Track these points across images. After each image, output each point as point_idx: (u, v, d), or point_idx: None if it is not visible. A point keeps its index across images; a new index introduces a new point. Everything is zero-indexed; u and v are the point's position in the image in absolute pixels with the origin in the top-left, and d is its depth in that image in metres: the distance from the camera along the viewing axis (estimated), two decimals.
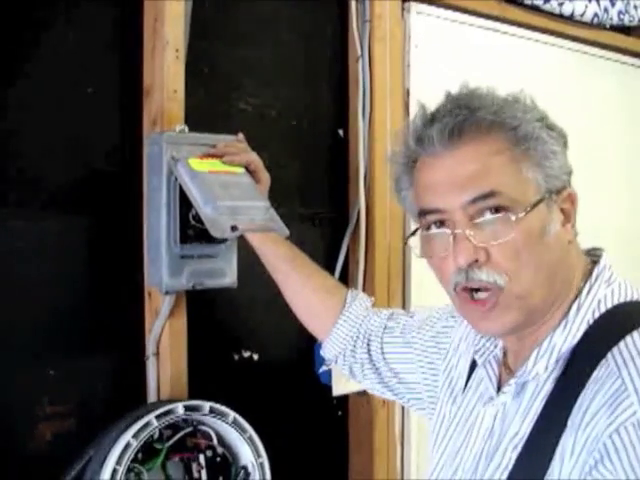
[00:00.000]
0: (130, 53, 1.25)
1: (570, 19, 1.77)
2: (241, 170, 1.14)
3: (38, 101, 1.18)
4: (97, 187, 1.24)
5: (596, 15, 1.79)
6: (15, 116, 1.16)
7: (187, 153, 1.13)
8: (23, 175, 1.17)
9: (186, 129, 1.19)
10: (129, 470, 1.10)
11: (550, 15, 1.74)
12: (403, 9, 1.49)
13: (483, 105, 0.84)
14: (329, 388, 1.45)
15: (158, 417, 1.10)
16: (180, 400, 1.19)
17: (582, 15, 1.77)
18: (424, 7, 1.52)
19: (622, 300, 0.82)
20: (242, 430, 1.18)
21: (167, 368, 1.23)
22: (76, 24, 1.20)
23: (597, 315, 0.81)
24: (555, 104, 1.76)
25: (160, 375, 1.24)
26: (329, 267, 1.48)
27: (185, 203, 1.13)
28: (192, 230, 1.14)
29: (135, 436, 1.08)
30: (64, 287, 1.21)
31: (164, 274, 1.13)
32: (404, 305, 1.52)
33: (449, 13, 1.57)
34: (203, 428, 1.19)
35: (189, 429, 1.17)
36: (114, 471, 1.07)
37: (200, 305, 1.30)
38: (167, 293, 1.17)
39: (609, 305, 0.82)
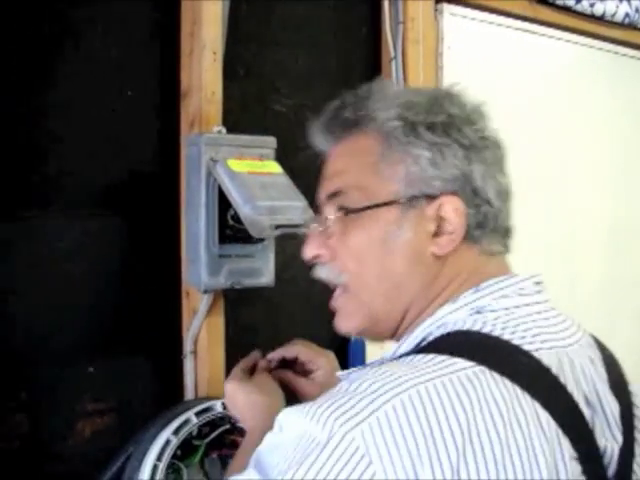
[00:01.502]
0: (168, 56, 1.27)
1: (601, 19, 1.77)
2: (279, 170, 1.16)
3: (79, 104, 1.20)
4: (136, 188, 1.26)
5: (627, 15, 1.79)
6: (56, 119, 1.18)
7: (225, 154, 1.15)
8: (64, 177, 1.19)
9: (223, 130, 1.21)
10: (168, 466, 1.11)
11: (582, 15, 1.74)
12: (436, 10, 1.50)
13: (353, 102, 0.84)
14: None
15: (197, 414, 1.12)
16: (218, 398, 1.21)
17: (613, 15, 1.77)
18: (457, 8, 1.53)
19: (471, 328, 0.74)
20: None
21: (205, 366, 1.25)
22: (115, 27, 1.22)
23: (431, 337, 0.76)
24: (586, 104, 1.78)
25: (197, 373, 1.26)
26: None
27: (223, 203, 1.14)
28: (230, 230, 1.16)
29: (175, 433, 1.10)
30: (104, 286, 1.23)
31: (203, 273, 1.15)
32: None
33: (481, 14, 1.58)
34: (240, 425, 1.20)
35: (227, 426, 1.18)
36: (154, 467, 1.08)
37: (236, 304, 1.33)
38: (206, 292, 1.18)
39: (449, 330, 0.75)
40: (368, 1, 1.49)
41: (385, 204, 0.78)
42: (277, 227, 1.06)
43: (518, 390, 0.69)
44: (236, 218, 1.14)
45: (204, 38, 1.22)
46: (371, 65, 1.51)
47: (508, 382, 0.69)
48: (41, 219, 1.17)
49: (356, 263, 0.81)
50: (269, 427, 0.85)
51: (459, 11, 1.53)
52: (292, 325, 1.43)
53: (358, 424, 0.65)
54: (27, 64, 1.14)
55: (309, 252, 0.86)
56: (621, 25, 1.81)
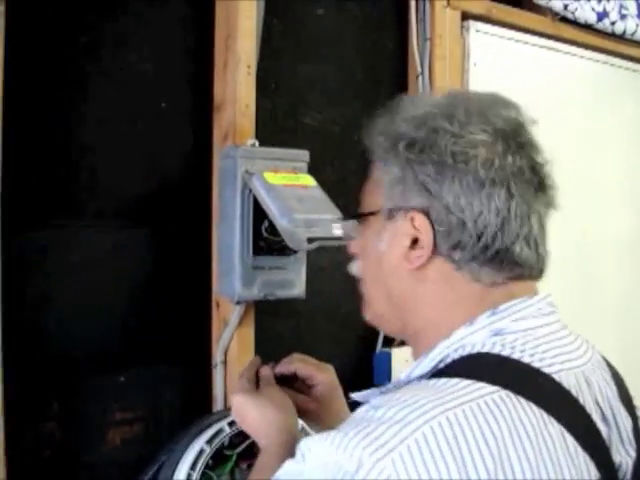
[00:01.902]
0: (201, 69, 1.28)
1: (622, 37, 1.79)
2: (313, 183, 1.17)
3: (114, 116, 1.21)
4: (168, 199, 1.27)
5: None
6: (92, 130, 1.19)
7: (260, 167, 1.16)
8: (98, 187, 1.20)
9: (257, 143, 1.22)
10: (200, 475, 1.12)
11: (602, 34, 1.76)
12: (462, 27, 1.52)
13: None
14: None
15: (230, 424, 1.13)
16: None
17: (633, 34, 1.79)
18: (482, 25, 1.55)
19: (489, 351, 0.74)
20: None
21: (235, 376, 1.25)
22: (150, 40, 1.24)
23: (449, 360, 0.76)
24: (607, 121, 1.80)
25: (227, 383, 1.27)
26: None
27: (258, 215, 1.16)
28: (264, 242, 1.17)
29: (209, 442, 1.10)
30: (135, 296, 1.24)
31: (237, 284, 1.16)
32: None
33: (506, 31, 1.60)
34: None
35: None
36: (188, 476, 1.09)
37: (264, 315, 1.34)
38: (238, 303, 1.19)
39: (468, 352, 0.75)
40: (396, 18, 1.51)
41: (370, 214, 0.83)
42: (312, 240, 1.07)
43: (544, 415, 0.70)
44: (270, 230, 1.16)
45: (239, 52, 1.24)
46: (398, 81, 1.53)
47: (534, 406, 0.70)
48: (75, 228, 1.18)
49: (359, 263, 0.90)
50: (284, 445, 0.93)
51: (485, 28, 1.55)
52: (319, 337, 1.44)
53: (388, 453, 0.65)
54: (63, 76, 1.16)
55: (349, 250, 0.93)
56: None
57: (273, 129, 1.35)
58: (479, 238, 0.75)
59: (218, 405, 1.27)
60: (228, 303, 1.25)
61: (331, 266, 1.44)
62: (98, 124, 1.20)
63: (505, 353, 0.73)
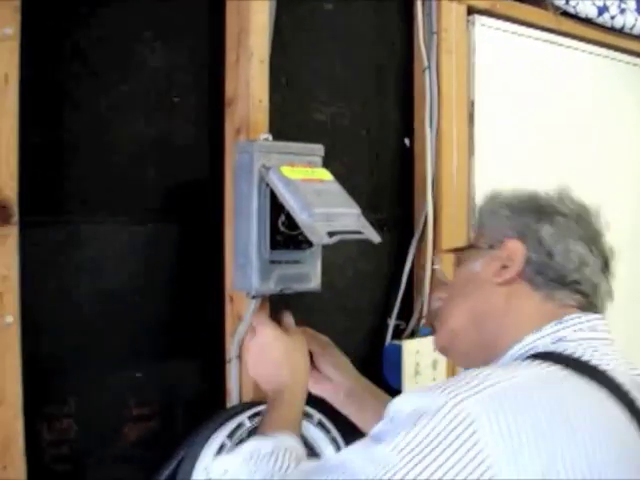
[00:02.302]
0: (214, 63, 1.28)
1: (621, 32, 1.81)
2: (330, 177, 1.18)
3: (126, 109, 1.21)
4: (180, 194, 1.27)
5: None
6: (106, 124, 1.19)
7: (276, 161, 1.16)
8: (113, 182, 1.20)
9: (270, 138, 1.22)
10: None
11: (602, 28, 1.78)
12: (468, 21, 1.53)
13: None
14: (396, 390, 1.48)
15: (250, 417, 1.13)
16: (264, 402, 1.22)
17: (632, 28, 1.81)
18: (487, 20, 1.56)
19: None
20: (326, 431, 1.20)
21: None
22: (162, 34, 1.24)
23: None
24: (606, 115, 1.81)
25: (242, 378, 1.27)
26: (396, 271, 1.52)
27: (274, 210, 1.16)
28: (281, 236, 1.17)
29: (230, 436, 1.11)
30: (150, 292, 1.24)
31: (254, 278, 1.16)
32: None
33: (509, 25, 1.61)
34: None
35: None
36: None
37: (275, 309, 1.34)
38: (255, 297, 1.19)
39: (539, 351, 0.89)
40: (402, 12, 1.52)
41: (470, 247, 1.05)
42: (333, 234, 1.07)
43: (604, 392, 0.81)
44: (287, 224, 1.16)
45: (251, 47, 1.24)
46: (404, 74, 1.53)
47: (595, 384, 0.82)
48: (90, 225, 1.18)
49: (444, 291, 1.09)
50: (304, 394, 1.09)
51: (489, 22, 1.56)
52: (327, 328, 1.45)
53: (469, 397, 0.75)
54: (76, 68, 1.15)
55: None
56: (638, 37, 1.86)
57: (285, 123, 1.35)
58: (559, 270, 0.93)
59: (233, 399, 1.26)
60: (242, 298, 1.25)
61: (342, 261, 1.45)
62: (112, 118, 1.19)
63: (567, 353, 0.86)
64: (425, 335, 1.49)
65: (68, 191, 1.15)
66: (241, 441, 1.11)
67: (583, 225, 0.97)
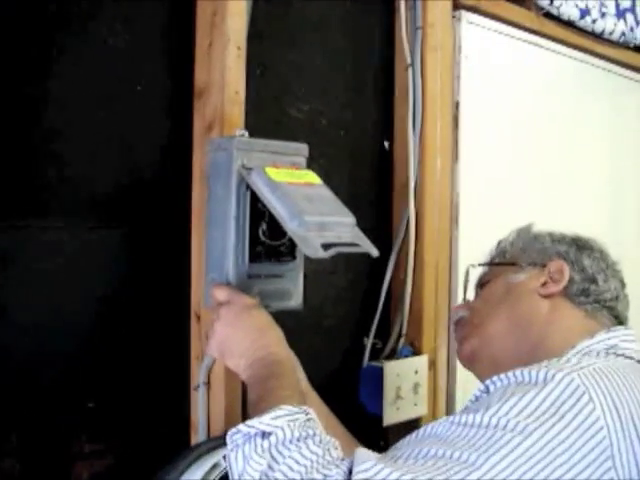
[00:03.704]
0: (183, 48, 1.13)
1: (600, 37, 1.74)
2: (319, 181, 1.04)
3: (81, 99, 1.05)
4: (143, 196, 1.11)
5: (623, 34, 1.77)
6: (56, 115, 1.02)
7: (258, 161, 1.02)
8: (64, 182, 1.03)
9: (246, 134, 1.08)
10: None
11: (581, 32, 1.71)
12: (454, 17, 1.42)
13: None
14: (373, 416, 1.35)
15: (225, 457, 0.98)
16: None
17: (611, 34, 1.75)
18: (473, 16, 1.45)
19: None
20: None
21: (220, 399, 1.10)
22: (125, 12, 1.08)
23: None
24: (586, 118, 1.75)
25: (211, 407, 1.11)
26: (372, 285, 1.39)
27: (254, 217, 1.02)
28: (262, 247, 1.03)
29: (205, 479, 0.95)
30: (105, 309, 1.08)
31: None
32: (449, 332, 1.44)
33: (494, 24, 1.51)
34: None
35: None
36: None
37: None
38: None
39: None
40: (384, 4, 1.40)
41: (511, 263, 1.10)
42: (329, 246, 0.93)
43: None
44: (268, 234, 1.02)
45: (228, 31, 1.09)
46: (385, 72, 1.41)
47: None
48: (38, 229, 1.01)
49: (474, 302, 1.16)
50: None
51: (475, 19, 1.45)
52: (302, 348, 1.31)
53: (574, 372, 0.79)
54: (23, 50, 0.98)
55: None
56: (615, 44, 1.80)
57: (257, 120, 1.21)
58: (599, 295, 1.03)
59: (200, 431, 1.11)
60: (210, 316, 1.10)
61: (315, 275, 1.31)
62: (63, 109, 1.03)
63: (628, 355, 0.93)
64: (406, 356, 1.37)
65: (10, 192, 0.98)
66: None
67: (608, 262, 1.08)
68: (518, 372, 0.83)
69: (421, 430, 0.82)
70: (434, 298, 1.40)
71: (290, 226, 0.94)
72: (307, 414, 0.83)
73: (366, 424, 1.33)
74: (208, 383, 1.12)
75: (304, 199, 0.97)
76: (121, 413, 1.09)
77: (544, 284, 1.04)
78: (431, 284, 1.39)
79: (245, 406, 1.12)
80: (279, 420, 0.79)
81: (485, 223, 1.46)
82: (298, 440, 0.78)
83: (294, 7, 1.28)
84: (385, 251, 1.40)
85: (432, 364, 1.40)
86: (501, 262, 1.12)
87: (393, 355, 1.39)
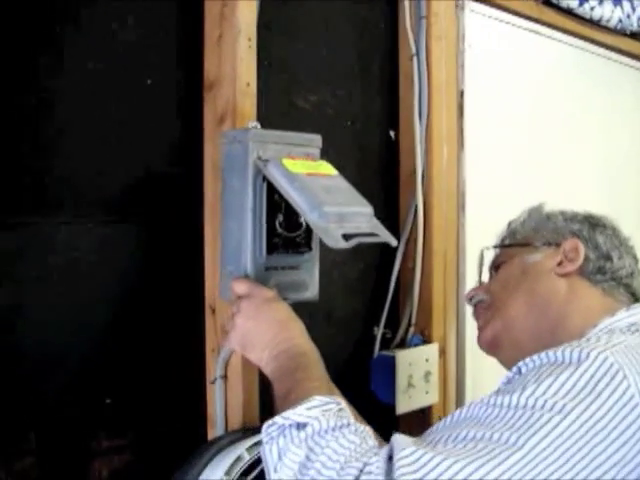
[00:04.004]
0: (194, 40, 1.12)
1: (598, 24, 1.75)
2: (334, 172, 1.04)
3: (92, 93, 1.04)
4: (153, 189, 1.11)
5: (620, 21, 1.78)
6: (66, 110, 1.01)
7: (273, 152, 1.01)
8: (75, 177, 1.02)
9: (258, 126, 1.07)
10: None
11: (580, 19, 1.72)
12: (457, 7, 1.42)
13: None
14: (385, 405, 1.35)
15: (249, 449, 0.98)
16: (254, 428, 1.07)
17: (609, 21, 1.76)
18: (476, 5, 1.45)
19: None
20: None
21: (238, 392, 1.10)
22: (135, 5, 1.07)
23: None
24: (584, 106, 1.76)
25: (229, 400, 1.11)
26: (382, 275, 1.39)
27: (271, 209, 1.01)
28: (279, 238, 1.02)
29: (228, 473, 0.95)
30: (120, 305, 1.08)
31: None
32: (458, 320, 1.45)
33: (496, 12, 1.52)
34: None
35: None
36: None
37: None
38: None
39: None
40: None
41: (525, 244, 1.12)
42: (350, 237, 0.93)
43: None
44: (286, 225, 1.02)
45: (239, 23, 1.08)
46: (390, 62, 1.40)
47: None
48: (50, 227, 1.00)
49: (491, 284, 1.17)
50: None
51: (478, 8, 1.46)
52: (314, 341, 1.31)
53: (606, 350, 0.80)
54: (33, 45, 0.97)
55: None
56: (612, 30, 1.81)
57: (266, 112, 1.20)
58: (616, 270, 1.04)
59: (218, 425, 1.11)
60: (226, 308, 1.10)
61: (326, 266, 1.31)
62: (73, 105, 1.02)
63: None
64: (416, 345, 1.37)
65: (21, 189, 0.97)
66: (241, 477, 0.96)
67: (621, 238, 1.10)
68: (551, 353, 0.83)
69: (456, 414, 0.82)
70: (443, 286, 1.40)
71: (310, 217, 0.94)
72: (339, 404, 0.83)
73: (378, 413, 1.33)
74: (225, 376, 1.11)
75: (322, 190, 0.97)
76: (138, 408, 1.09)
77: (560, 263, 1.05)
78: (440, 273, 1.39)
79: (262, 399, 1.13)
80: (313, 411, 0.79)
81: (491, 210, 1.47)
82: (334, 430, 0.78)
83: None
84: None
85: (442, 352, 1.41)
86: (516, 243, 1.12)
87: (403, 344, 1.39)
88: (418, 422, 1.39)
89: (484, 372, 1.50)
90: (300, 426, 0.79)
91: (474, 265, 1.20)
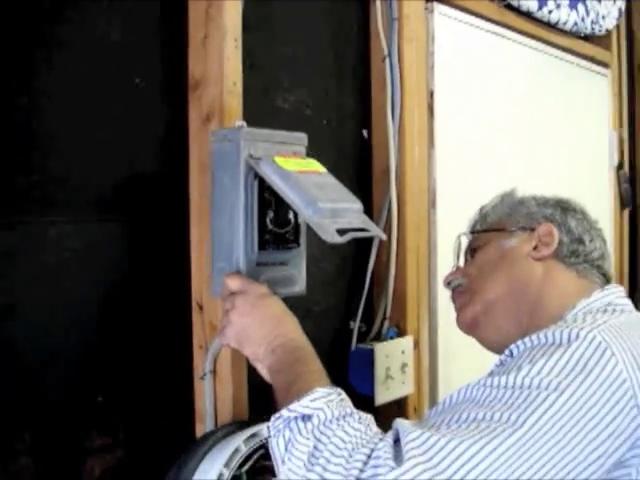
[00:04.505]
0: (180, 40, 1.13)
1: (555, 27, 1.83)
2: (323, 169, 1.06)
3: (80, 93, 1.04)
4: (140, 188, 1.12)
5: (575, 24, 1.86)
6: (55, 110, 1.02)
7: (263, 151, 1.03)
8: (64, 176, 1.03)
9: (245, 125, 1.09)
10: None
11: (538, 22, 1.79)
12: (426, 9, 1.47)
13: None
14: (364, 397, 1.38)
15: (246, 441, 1.00)
16: (243, 421, 1.09)
17: (565, 24, 1.83)
18: (444, 8, 1.50)
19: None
20: None
21: (228, 387, 1.12)
22: (121, 5, 1.08)
23: None
24: (544, 106, 1.83)
25: (218, 395, 1.13)
26: (357, 270, 1.43)
27: (262, 205, 1.03)
28: (270, 235, 1.05)
29: (227, 465, 0.97)
30: (109, 302, 1.08)
31: None
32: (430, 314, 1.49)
33: (462, 15, 1.57)
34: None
35: (262, 451, 1.07)
36: None
37: None
38: None
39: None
40: None
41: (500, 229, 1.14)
42: (343, 232, 0.96)
43: None
44: (276, 222, 1.04)
45: (225, 24, 1.10)
46: (363, 63, 1.44)
47: None
48: (41, 225, 1.00)
49: (468, 268, 1.18)
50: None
51: (446, 11, 1.50)
52: None
53: (593, 329, 0.85)
54: (20, 45, 0.97)
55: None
56: (567, 33, 1.88)
57: (247, 110, 1.22)
58: (588, 255, 1.07)
59: (207, 421, 1.13)
60: (214, 305, 1.12)
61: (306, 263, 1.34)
62: (61, 105, 1.02)
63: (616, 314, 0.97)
64: (392, 337, 1.41)
65: (10, 189, 0.97)
66: (240, 467, 0.98)
67: (591, 221, 1.13)
68: (542, 334, 0.87)
69: (453, 397, 0.85)
70: (416, 281, 1.44)
71: (305, 213, 0.97)
72: (340, 394, 0.86)
73: (358, 405, 1.37)
74: (214, 371, 1.13)
75: (315, 187, 0.99)
76: (129, 406, 1.10)
77: (535, 248, 1.08)
78: (413, 267, 1.44)
79: (251, 393, 1.15)
80: (317, 402, 0.82)
81: (461, 206, 1.52)
82: (338, 419, 0.81)
83: (278, 0, 1.30)
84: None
85: (416, 344, 1.45)
86: (491, 228, 1.15)
87: (379, 337, 1.43)
88: (395, 412, 1.43)
89: (455, 363, 1.55)
90: (305, 417, 0.81)
91: (445, 260, 1.23)
